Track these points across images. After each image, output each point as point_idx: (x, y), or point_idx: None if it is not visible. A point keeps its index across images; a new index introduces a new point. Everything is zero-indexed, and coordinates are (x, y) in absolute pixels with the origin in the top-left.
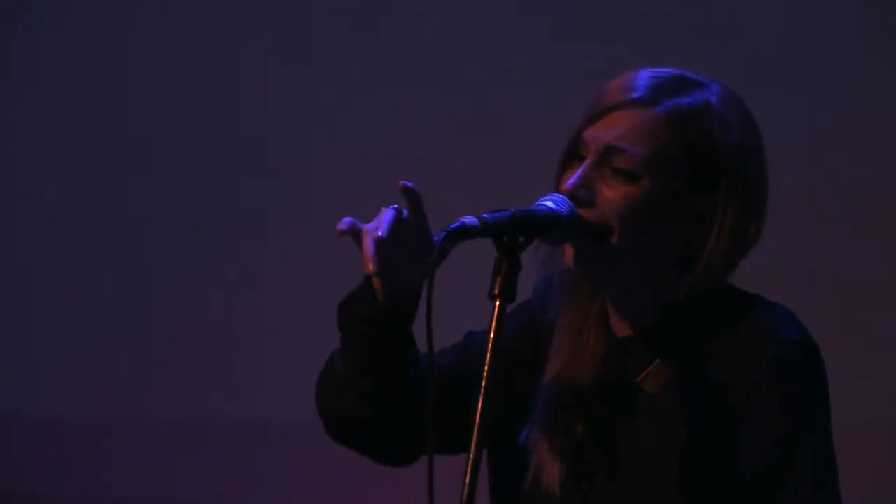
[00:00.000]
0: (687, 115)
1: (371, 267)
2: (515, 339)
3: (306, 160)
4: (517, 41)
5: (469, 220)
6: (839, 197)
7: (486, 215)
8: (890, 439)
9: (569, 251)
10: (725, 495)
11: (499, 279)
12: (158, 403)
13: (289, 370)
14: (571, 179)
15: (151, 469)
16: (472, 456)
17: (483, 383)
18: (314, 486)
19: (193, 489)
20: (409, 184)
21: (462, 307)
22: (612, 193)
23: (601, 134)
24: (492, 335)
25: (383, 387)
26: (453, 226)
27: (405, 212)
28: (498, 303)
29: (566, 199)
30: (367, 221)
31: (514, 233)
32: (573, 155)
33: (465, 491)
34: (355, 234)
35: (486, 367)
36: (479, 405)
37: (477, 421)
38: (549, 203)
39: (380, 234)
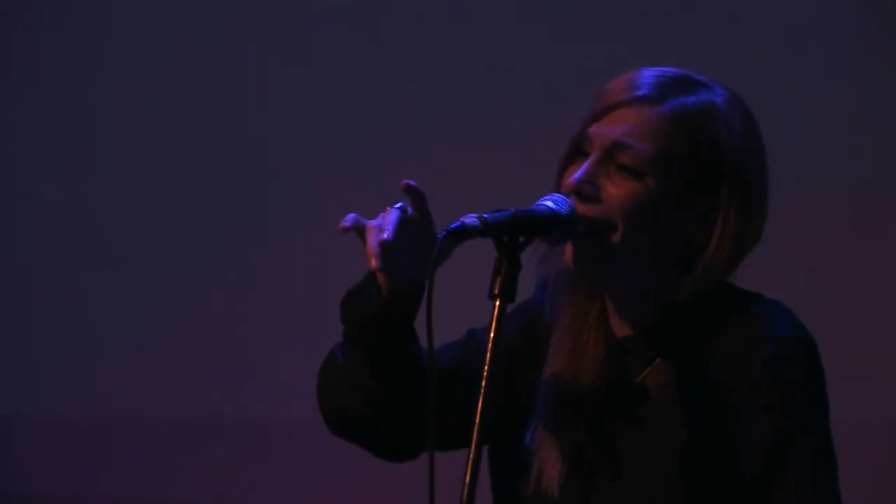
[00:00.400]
0: (692, 115)
1: (375, 263)
2: (515, 339)
3: (306, 160)
4: (517, 41)
5: (469, 220)
6: (839, 197)
7: (486, 215)
8: (890, 439)
9: (568, 250)
10: (726, 495)
11: (499, 279)
12: (158, 403)
13: (289, 370)
14: (576, 174)
15: (151, 469)
16: (472, 456)
17: (483, 383)
18: (314, 486)
19: (193, 489)
20: (412, 183)
21: (462, 307)
22: (616, 190)
23: (607, 130)
24: (492, 335)
25: (385, 382)
26: (453, 226)
27: (409, 210)
28: (498, 303)
29: (566, 198)
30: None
31: (514, 233)
32: (576, 152)
33: (465, 491)
34: (359, 230)
35: (486, 367)
36: (479, 405)
37: (477, 421)
38: (549, 203)
39: (385, 236)
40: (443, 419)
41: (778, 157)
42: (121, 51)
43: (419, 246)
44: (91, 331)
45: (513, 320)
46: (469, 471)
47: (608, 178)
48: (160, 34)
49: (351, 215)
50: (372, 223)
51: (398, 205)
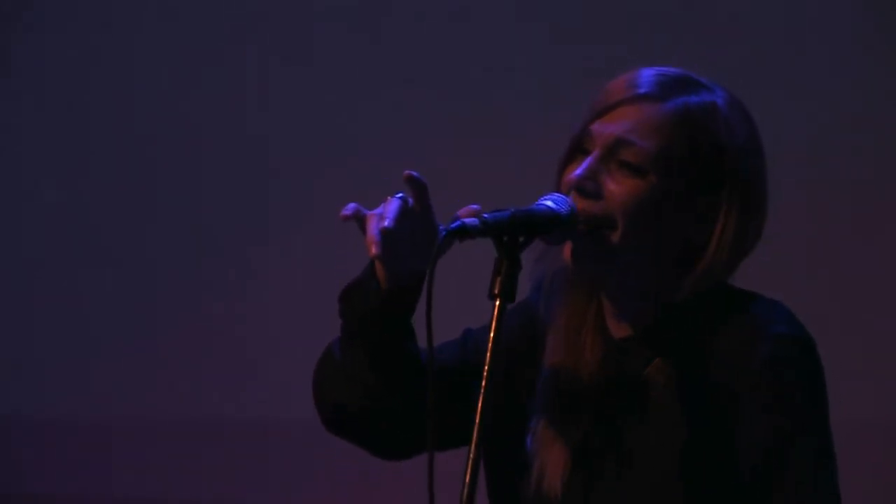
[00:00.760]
0: (695, 115)
1: (375, 250)
2: (516, 336)
3: (306, 160)
4: (517, 41)
5: (469, 219)
6: (839, 197)
7: (486, 215)
8: (890, 439)
9: (567, 249)
10: (726, 494)
11: (499, 279)
12: (158, 403)
13: (289, 370)
14: (578, 170)
15: (151, 469)
16: (472, 456)
17: (483, 383)
18: (314, 486)
19: (193, 489)
20: (414, 173)
21: (462, 307)
22: (617, 187)
23: (609, 128)
24: (492, 335)
25: (384, 376)
26: (453, 225)
27: (410, 201)
28: (498, 303)
29: (566, 198)
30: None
31: (514, 232)
32: (577, 150)
33: (465, 491)
34: (359, 220)
35: (486, 367)
36: (479, 405)
37: (477, 421)
38: (549, 203)
39: (387, 224)
40: (441, 418)
41: (778, 157)
42: (121, 51)
43: (420, 237)
44: (91, 331)
45: (513, 318)
46: (469, 471)
47: (610, 175)
48: (160, 34)
49: (351, 205)
50: (373, 212)
51: (399, 195)
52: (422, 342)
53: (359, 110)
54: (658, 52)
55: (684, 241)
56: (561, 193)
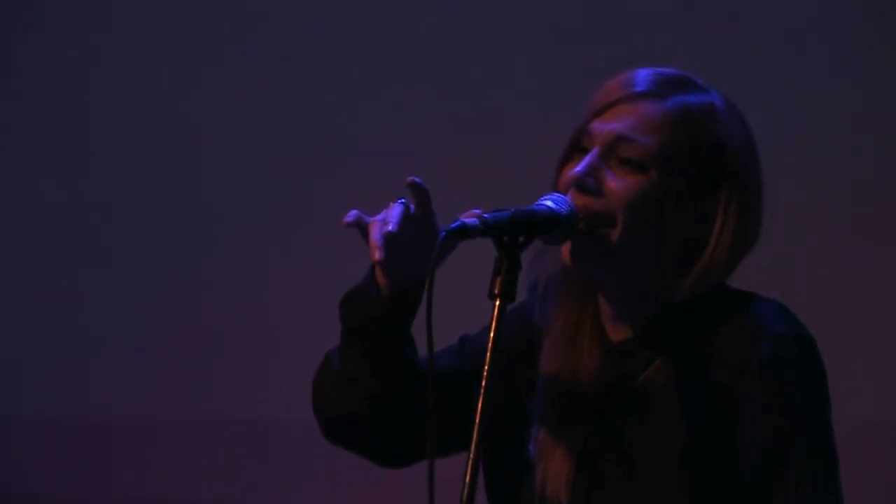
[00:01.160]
0: (694, 114)
1: (378, 255)
2: (516, 336)
3: (306, 160)
4: (517, 41)
5: (469, 220)
6: (839, 197)
7: (486, 215)
8: (890, 439)
9: (565, 249)
10: (728, 495)
11: (499, 279)
12: (158, 403)
13: (289, 370)
14: (578, 167)
15: (151, 469)
16: (472, 456)
17: (483, 383)
18: (314, 486)
19: (193, 489)
20: (417, 179)
21: (462, 307)
22: (618, 183)
23: (610, 125)
24: (492, 335)
25: (383, 381)
26: (453, 225)
27: (412, 207)
28: (498, 303)
29: (566, 198)
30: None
31: (514, 232)
32: (575, 149)
33: (465, 491)
34: (361, 226)
35: (486, 367)
36: (479, 405)
37: (477, 421)
38: (549, 203)
39: (390, 228)
40: (440, 423)
41: (778, 157)
42: (121, 51)
43: (421, 242)
44: (91, 331)
45: (512, 318)
46: (469, 471)
47: (610, 171)
48: (160, 34)
49: (353, 212)
50: (375, 218)
51: (401, 200)
52: (422, 344)
53: (359, 110)
54: (658, 52)
55: (683, 240)
56: (559, 192)
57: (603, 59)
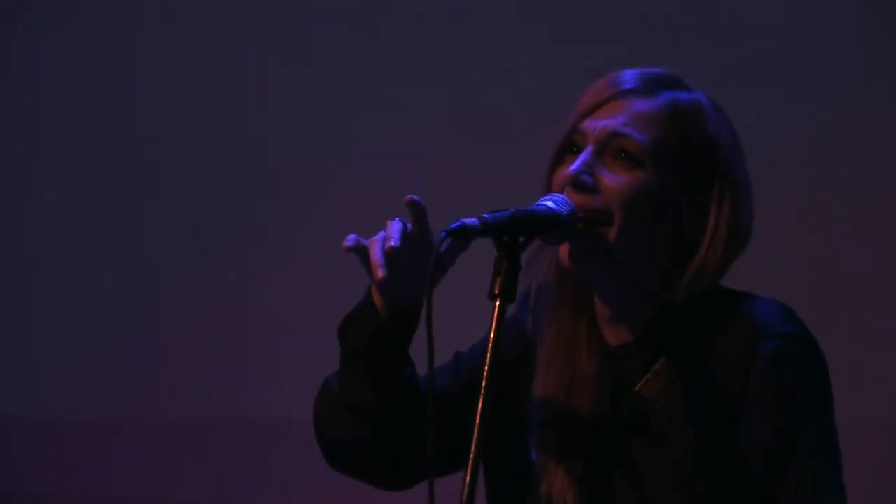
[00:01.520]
0: (684, 110)
1: (381, 273)
2: (512, 348)
3: (306, 160)
4: (517, 41)
5: (469, 220)
6: (839, 197)
7: (486, 215)
8: (890, 439)
9: (564, 249)
10: (734, 496)
11: (499, 279)
12: (158, 403)
13: (289, 370)
14: (573, 165)
15: (151, 469)
16: (472, 456)
17: (483, 383)
18: (314, 486)
19: (193, 489)
20: (416, 197)
21: (462, 307)
22: (614, 179)
23: (603, 122)
24: (492, 335)
25: (384, 404)
26: (453, 226)
27: (409, 225)
28: (498, 303)
29: (566, 198)
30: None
31: (514, 233)
32: (566, 151)
33: (465, 491)
34: (360, 251)
35: (486, 367)
36: (479, 405)
37: (477, 421)
38: (549, 203)
39: (392, 244)
40: (440, 442)
41: (778, 157)
42: (121, 51)
43: (418, 260)
44: (91, 331)
45: (510, 325)
46: (469, 471)
47: (605, 168)
48: (160, 34)
49: (351, 236)
50: (373, 238)
51: (398, 218)
52: (422, 352)
53: (359, 110)
54: (658, 52)
55: (678, 239)
56: (553, 193)
57: (603, 59)
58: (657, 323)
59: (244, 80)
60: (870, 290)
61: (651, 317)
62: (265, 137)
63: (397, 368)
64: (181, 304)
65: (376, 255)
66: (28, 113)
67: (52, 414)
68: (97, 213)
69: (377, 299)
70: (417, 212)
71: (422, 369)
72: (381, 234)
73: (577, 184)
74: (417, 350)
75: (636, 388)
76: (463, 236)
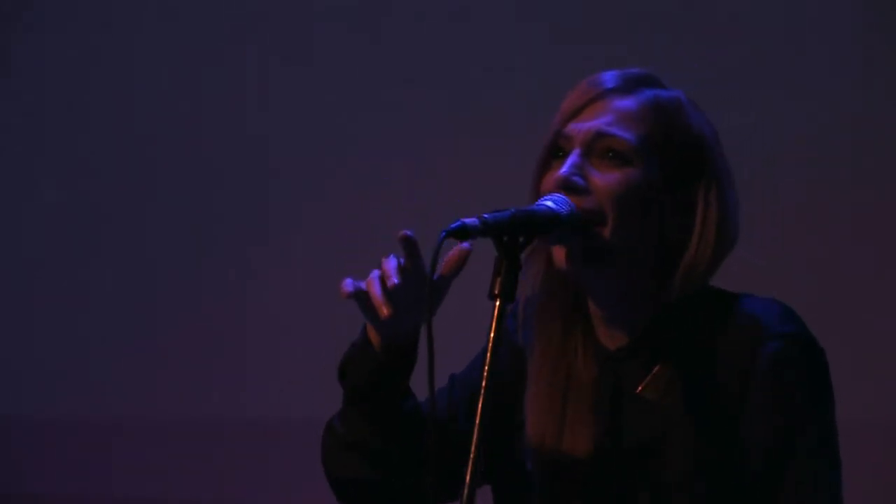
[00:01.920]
0: (666, 107)
1: (386, 311)
2: (505, 361)
3: (306, 160)
4: (517, 41)
5: (469, 220)
6: (839, 197)
7: (486, 215)
8: (890, 439)
9: (559, 252)
10: (737, 496)
11: (499, 279)
12: (158, 403)
13: (289, 370)
14: (563, 169)
15: (151, 469)
16: (472, 456)
17: (483, 383)
18: (314, 486)
19: (193, 489)
20: (409, 232)
21: (462, 307)
22: (604, 178)
23: (588, 123)
24: (492, 335)
25: (384, 441)
26: (453, 225)
27: (402, 261)
28: (498, 303)
29: (566, 199)
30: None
31: (514, 233)
32: (553, 156)
33: (465, 491)
34: (359, 295)
35: (486, 367)
36: (480, 405)
37: (477, 421)
38: (549, 203)
39: (395, 280)
40: (442, 467)
41: (778, 157)
42: (121, 51)
43: (412, 295)
44: (91, 331)
45: (506, 342)
46: (469, 471)
47: (594, 169)
48: (160, 34)
49: (348, 281)
50: (370, 278)
51: (391, 256)
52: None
53: (359, 110)
54: (658, 52)
55: (667, 238)
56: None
57: (603, 59)
58: (656, 324)
59: (244, 80)
60: (870, 290)
61: (650, 318)
62: (265, 137)
63: (396, 404)
64: (181, 304)
65: (377, 294)
66: (28, 113)
67: (52, 414)
68: (97, 213)
69: (374, 338)
70: (410, 247)
71: (421, 394)
72: (376, 272)
73: (568, 186)
74: (418, 372)
75: (638, 391)
76: (463, 236)
